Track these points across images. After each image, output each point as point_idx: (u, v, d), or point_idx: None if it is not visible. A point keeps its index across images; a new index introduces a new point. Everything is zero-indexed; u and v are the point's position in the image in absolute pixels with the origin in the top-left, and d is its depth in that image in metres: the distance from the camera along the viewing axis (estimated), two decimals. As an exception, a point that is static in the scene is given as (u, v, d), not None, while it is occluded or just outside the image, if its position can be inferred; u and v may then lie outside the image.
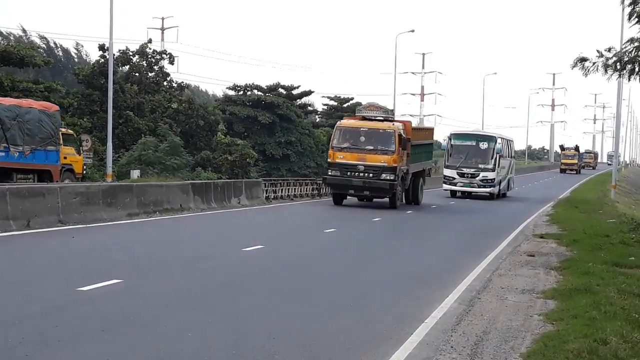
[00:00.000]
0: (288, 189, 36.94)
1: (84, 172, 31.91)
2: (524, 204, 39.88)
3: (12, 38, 74.48)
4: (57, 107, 29.75)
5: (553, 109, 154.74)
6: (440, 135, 74.12)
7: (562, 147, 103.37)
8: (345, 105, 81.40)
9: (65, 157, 29.08)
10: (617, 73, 19.48)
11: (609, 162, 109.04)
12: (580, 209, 33.53)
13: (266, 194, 33.70)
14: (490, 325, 9.93)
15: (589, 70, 19.38)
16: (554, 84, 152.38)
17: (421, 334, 9.33)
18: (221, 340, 8.42)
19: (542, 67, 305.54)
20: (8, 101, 27.40)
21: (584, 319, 9.79)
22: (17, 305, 9.49)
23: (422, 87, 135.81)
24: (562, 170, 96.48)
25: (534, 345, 8.81)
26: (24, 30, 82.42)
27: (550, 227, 24.97)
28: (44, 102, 30.47)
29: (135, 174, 40.09)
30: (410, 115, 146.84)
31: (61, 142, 28.49)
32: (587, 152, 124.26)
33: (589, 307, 10.52)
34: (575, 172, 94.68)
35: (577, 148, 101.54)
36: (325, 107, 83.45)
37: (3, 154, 25.47)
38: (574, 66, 19.49)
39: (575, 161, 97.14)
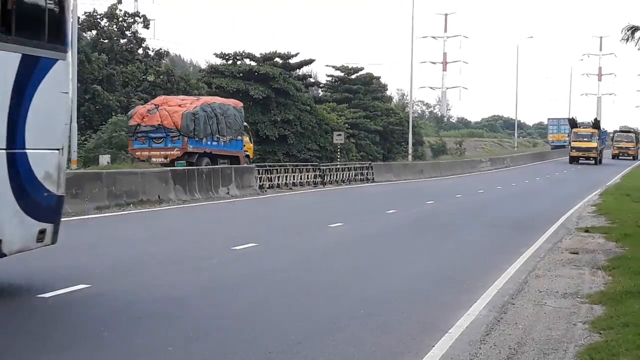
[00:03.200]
0: (286, 176, 36.97)
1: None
2: (566, 191, 39.91)
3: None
4: (242, 104, 41.87)
5: (600, 79, 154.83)
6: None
7: (572, 122, 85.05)
8: (353, 76, 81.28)
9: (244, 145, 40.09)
10: None
11: None
12: (633, 197, 33.51)
13: (260, 182, 33.73)
14: (526, 336, 9.94)
15: None
16: (600, 49, 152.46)
17: (444, 346, 9.35)
18: (207, 356, 8.44)
19: (586, 29, 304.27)
20: (217, 100, 39.80)
21: (638, 328, 9.79)
22: (-33, 316, 9.51)
23: (445, 54, 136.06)
24: (573, 160, 78.52)
25: (578, 358, 8.81)
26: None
27: (597, 219, 24.97)
28: (233, 100, 42.24)
29: (104, 159, 40.05)
30: (431, 87, 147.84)
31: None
32: (623, 130, 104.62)
33: (643, 313, 10.52)
34: (593, 161, 77.63)
35: (596, 123, 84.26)
36: (330, 79, 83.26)
37: (215, 142, 36.75)
38: (624, 38, 19.23)
39: (594, 144, 77.67)
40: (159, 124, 35.06)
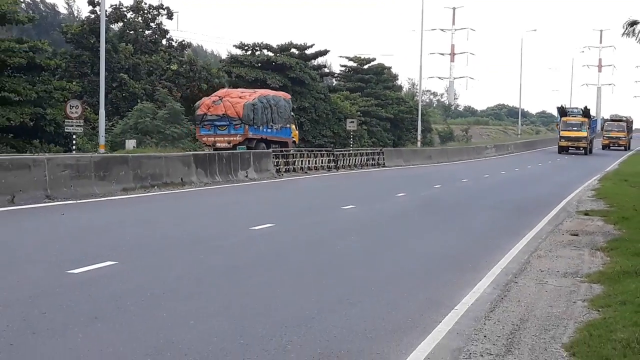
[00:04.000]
0: (301, 160, 37.06)
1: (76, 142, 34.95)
2: (566, 177, 39.76)
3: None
4: (290, 96, 45.40)
5: (600, 70, 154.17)
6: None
7: (561, 110, 76.80)
8: (366, 66, 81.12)
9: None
10: None
11: None
12: (631, 182, 33.39)
13: (277, 166, 33.79)
14: (528, 313, 9.93)
15: None
16: (600, 42, 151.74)
17: (451, 322, 9.34)
18: (227, 329, 8.46)
19: (587, 23, 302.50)
20: (271, 93, 43.13)
21: (634, 306, 9.77)
22: (1, 290, 9.56)
23: (452, 46, 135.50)
24: (562, 149, 73.89)
25: (578, 334, 8.79)
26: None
27: (596, 203, 24.88)
28: (283, 92, 45.59)
29: (130, 144, 40.23)
30: (439, 77, 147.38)
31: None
32: (614, 119, 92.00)
33: (639, 292, 10.49)
34: (583, 151, 73.41)
35: (586, 112, 76.33)
36: (344, 69, 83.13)
37: (269, 129, 40.14)
38: (625, 33, 19.05)
39: (584, 134, 72.49)
40: (224, 114, 38.27)
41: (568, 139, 73.24)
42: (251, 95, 40.08)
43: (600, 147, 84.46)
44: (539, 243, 16.05)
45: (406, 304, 10.22)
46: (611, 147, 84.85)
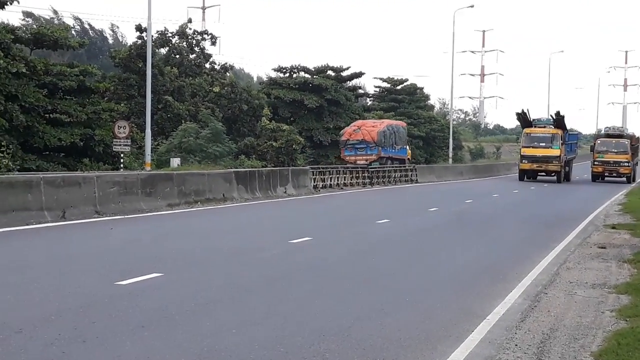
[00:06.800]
0: (337, 177, 37.00)
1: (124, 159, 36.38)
2: (593, 192, 39.36)
3: (42, 20, 75.47)
4: (405, 124, 56.53)
5: (625, 89, 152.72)
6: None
7: (523, 118, 52.43)
8: (399, 87, 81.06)
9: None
10: None
11: None
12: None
13: (314, 182, 33.77)
14: (558, 322, 9.82)
15: None
16: (626, 62, 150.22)
17: (483, 331, 9.26)
18: (268, 337, 8.45)
19: (613, 44, 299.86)
20: (393, 122, 53.16)
21: (662, 316, 9.64)
22: (53, 301, 9.64)
23: (482, 67, 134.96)
24: (523, 174, 51.32)
25: (606, 343, 8.69)
26: (55, 12, 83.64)
27: (622, 217, 24.64)
28: (401, 121, 56.82)
29: (175, 162, 40.41)
30: (470, 97, 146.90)
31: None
32: (611, 133, 56.90)
33: (666, 302, 10.35)
34: (555, 177, 50.58)
35: (559, 119, 51.42)
36: (378, 90, 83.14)
37: (393, 150, 49.20)
38: None
39: (555, 152, 49.05)
40: (362, 139, 47.83)
41: (532, 159, 49.64)
42: (381, 124, 49.91)
43: (590, 176, 55.57)
44: (568, 255, 15.89)
45: (439, 313, 10.15)
46: (606, 177, 54.70)
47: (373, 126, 49.38)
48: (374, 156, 47.14)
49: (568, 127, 53.54)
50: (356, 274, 12.85)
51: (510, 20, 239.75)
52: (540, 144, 49.50)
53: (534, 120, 52.77)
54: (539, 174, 50.77)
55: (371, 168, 43.54)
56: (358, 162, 46.47)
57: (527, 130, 51.13)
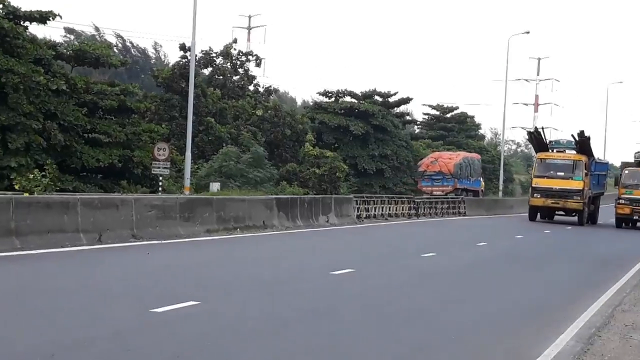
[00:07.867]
0: (382, 207, 36.89)
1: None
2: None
3: (83, 37, 76.52)
4: (479, 156, 61.95)
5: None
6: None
7: (536, 139, 43.59)
8: (448, 115, 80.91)
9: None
10: None
11: None
12: None
13: (357, 212, 33.72)
14: (611, 368, 9.66)
15: None
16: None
17: (532, 374, 9.14)
18: (306, 373, 8.42)
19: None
20: (468, 155, 58.69)
21: None
22: (86, 326, 9.70)
23: (537, 97, 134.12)
24: (534, 213, 42.17)
25: (663, 392, 8.53)
26: (96, 29, 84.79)
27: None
28: (476, 154, 62.86)
29: (215, 186, 40.63)
30: (522, 127, 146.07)
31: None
32: None
33: None
34: (576, 217, 41.14)
35: (583, 141, 41.74)
36: (426, 117, 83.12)
37: (468, 181, 55.69)
38: None
39: (577, 184, 39.94)
40: (439, 170, 53.40)
41: (547, 192, 40.31)
42: (457, 156, 55.15)
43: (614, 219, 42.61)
44: (623, 297, 15.65)
45: (486, 354, 10.04)
46: (635, 221, 41.50)
47: (450, 158, 54.42)
48: (451, 187, 51.97)
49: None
50: (400, 309, 12.77)
51: (566, 48, 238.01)
52: (558, 173, 40.15)
53: (550, 142, 43.77)
54: (556, 212, 41.91)
55: (417, 198, 43.17)
56: (434, 192, 50.29)
57: (541, 155, 42.04)
